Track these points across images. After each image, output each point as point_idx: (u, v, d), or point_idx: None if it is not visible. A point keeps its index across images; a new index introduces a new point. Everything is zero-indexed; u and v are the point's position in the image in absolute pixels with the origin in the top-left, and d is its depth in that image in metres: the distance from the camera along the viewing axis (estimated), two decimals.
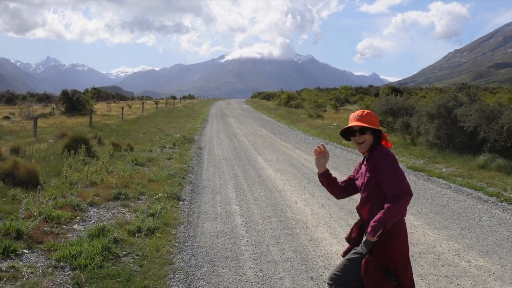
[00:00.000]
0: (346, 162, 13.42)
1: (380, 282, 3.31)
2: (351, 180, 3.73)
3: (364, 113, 3.44)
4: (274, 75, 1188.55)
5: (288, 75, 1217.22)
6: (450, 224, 7.29)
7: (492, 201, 8.91)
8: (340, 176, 11.10)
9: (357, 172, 3.65)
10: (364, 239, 3.45)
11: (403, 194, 3.22)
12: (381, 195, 3.33)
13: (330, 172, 3.77)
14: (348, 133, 3.51)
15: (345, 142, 18.21)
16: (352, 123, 3.43)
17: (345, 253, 3.69)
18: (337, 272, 3.54)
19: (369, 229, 3.24)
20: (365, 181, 3.45)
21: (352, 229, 3.63)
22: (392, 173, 3.28)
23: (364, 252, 3.38)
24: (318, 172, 3.73)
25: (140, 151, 14.10)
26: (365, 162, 3.53)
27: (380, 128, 3.50)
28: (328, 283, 3.60)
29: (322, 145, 3.63)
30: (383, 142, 3.51)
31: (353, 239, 3.59)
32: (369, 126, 3.38)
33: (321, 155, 3.65)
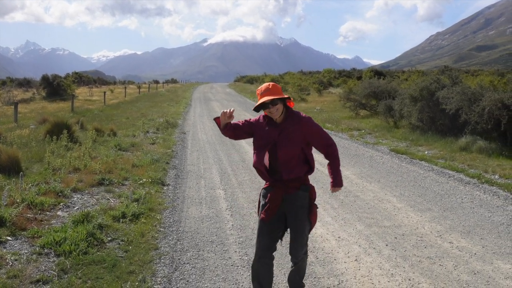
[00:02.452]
0: None
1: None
2: (239, 129, 4.00)
3: (270, 86, 3.81)
4: (258, 58, 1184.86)
5: (271, 58, 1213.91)
6: (433, 206, 7.39)
7: (474, 182, 9.04)
8: (323, 159, 11.15)
9: (261, 134, 3.90)
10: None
11: (334, 144, 4.01)
12: (303, 155, 3.86)
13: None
14: (260, 107, 3.82)
15: (329, 125, 18.31)
16: (264, 98, 3.74)
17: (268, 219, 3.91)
18: (304, 242, 3.96)
19: (339, 183, 3.99)
20: (287, 143, 3.79)
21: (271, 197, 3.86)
22: (322, 130, 3.93)
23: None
24: (221, 125, 3.94)
25: (123, 136, 14.00)
26: (273, 126, 3.85)
27: (286, 95, 3.93)
28: (304, 254, 4.02)
29: (231, 110, 3.84)
30: (290, 105, 3.91)
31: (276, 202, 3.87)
32: (279, 97, 3.74)
33: (228, 118, 3.88)
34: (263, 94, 3.77)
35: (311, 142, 3.89)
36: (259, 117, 3.99)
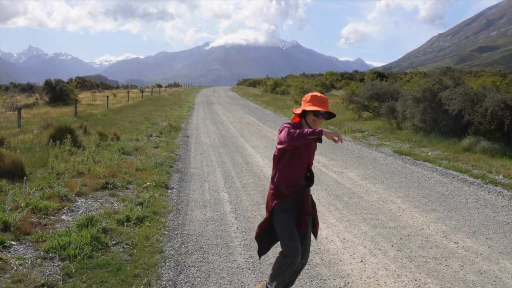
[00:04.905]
0: (333, 148, 13.46)
1: None
2: None
3: (326, 100, 3.78)
4: (260, 61, 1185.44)
5: (273, 61, 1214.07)
6: (437, 207, 7.37)
7: (478, 183, 9.02)
8: (327, 161, 11.14)
9: (303, 150, 3.85)
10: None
11: None
12: None
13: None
14: (306, 112, 3.80)
15: (332, 127, 18.31)
16: (320, 108, 3.70)
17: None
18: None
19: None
20: (314, 152, 3.99)
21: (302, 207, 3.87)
22: None
23: None
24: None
25: (127, 140, 14.01)
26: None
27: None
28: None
29: None
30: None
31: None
32: (331, 112, 3.77)
33: None
34: (320, 104, 3.73)
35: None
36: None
